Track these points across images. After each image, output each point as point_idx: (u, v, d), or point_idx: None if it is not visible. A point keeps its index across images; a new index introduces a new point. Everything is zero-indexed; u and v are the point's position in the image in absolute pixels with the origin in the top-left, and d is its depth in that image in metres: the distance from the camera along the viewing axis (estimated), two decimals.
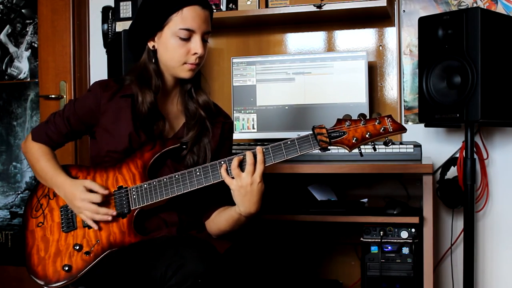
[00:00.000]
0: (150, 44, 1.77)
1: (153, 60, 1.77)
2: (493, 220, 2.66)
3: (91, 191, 1.71)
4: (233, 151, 2.06)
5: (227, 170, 1.66)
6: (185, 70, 1.75)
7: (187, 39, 1.71)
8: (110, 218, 1.70)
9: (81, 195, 1.70)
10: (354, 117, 1.65)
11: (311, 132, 1.64)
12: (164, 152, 1.75)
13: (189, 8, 1.70)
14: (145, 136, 1.76)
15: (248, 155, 1.64)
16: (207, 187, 1.69)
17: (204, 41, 1.74)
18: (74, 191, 1.72)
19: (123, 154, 1.75)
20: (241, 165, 1.65)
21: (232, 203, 1.77)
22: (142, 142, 1.75)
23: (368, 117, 1.64)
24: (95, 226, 1.71)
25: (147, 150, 1.74)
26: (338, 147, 1.66)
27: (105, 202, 1.72)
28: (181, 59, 1.73)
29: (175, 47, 1.72)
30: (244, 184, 1.63)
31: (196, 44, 1.72)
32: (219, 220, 1.81)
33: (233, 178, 1.65)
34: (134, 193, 1.72)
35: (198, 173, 1.68)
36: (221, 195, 1.81)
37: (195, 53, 1.72)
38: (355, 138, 1.62)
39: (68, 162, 2.97)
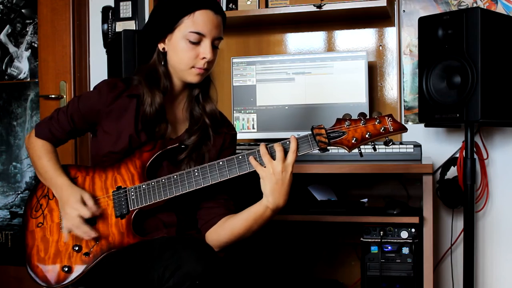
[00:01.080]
0: (160, 46, 1.76)
1: (162, 63, 1.76)
2: (493, 220, 2.66)
3: (85, 203, 1.70)
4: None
5: (256, 159, 1.63)
6: (193, 74, 1.74)
7: (197, 43, 1.70)
8: (87, 238, 1.69)
9: (74, 203, 1.69)
10: (354, 116, 1.63)
11: (310, 132, 1.62)
12: (162, 153, 1.74)
13: (202, 11, 1.69)
14: (145, 138, 1.75)
15: (277, 144, 1.62)
16: (205, 189, 1.68)
17: (214, 47, 1.73)
18: (70, 196, 1.70)
19: (122, 154, 1.74)
20: (270, 153, 1.62)
21: (231, 211, 1.77)
22: (142, 143, 1.74)
23: (368, 117, 1.62)
24: (65, 237, 1.72)
25: (146, 150, 1.74)
26: (338, 147, 1.64)
27: (99, 206, 1.72)
28: (189, 63, 1.72)
29: (184, 50, 1.71)
30: (276, 171, 1.60)
31: (205, 49, 1.70)
32: (232, 225, 1.73)
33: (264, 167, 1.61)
34: (132, 193, 1.71)
35: (196, 174, 1.67)
36: (219, 201, 1.80)
37: (204, 58, 1.71)
38: (354, 139, 1.60)
39: (68, 162, 2.97)
